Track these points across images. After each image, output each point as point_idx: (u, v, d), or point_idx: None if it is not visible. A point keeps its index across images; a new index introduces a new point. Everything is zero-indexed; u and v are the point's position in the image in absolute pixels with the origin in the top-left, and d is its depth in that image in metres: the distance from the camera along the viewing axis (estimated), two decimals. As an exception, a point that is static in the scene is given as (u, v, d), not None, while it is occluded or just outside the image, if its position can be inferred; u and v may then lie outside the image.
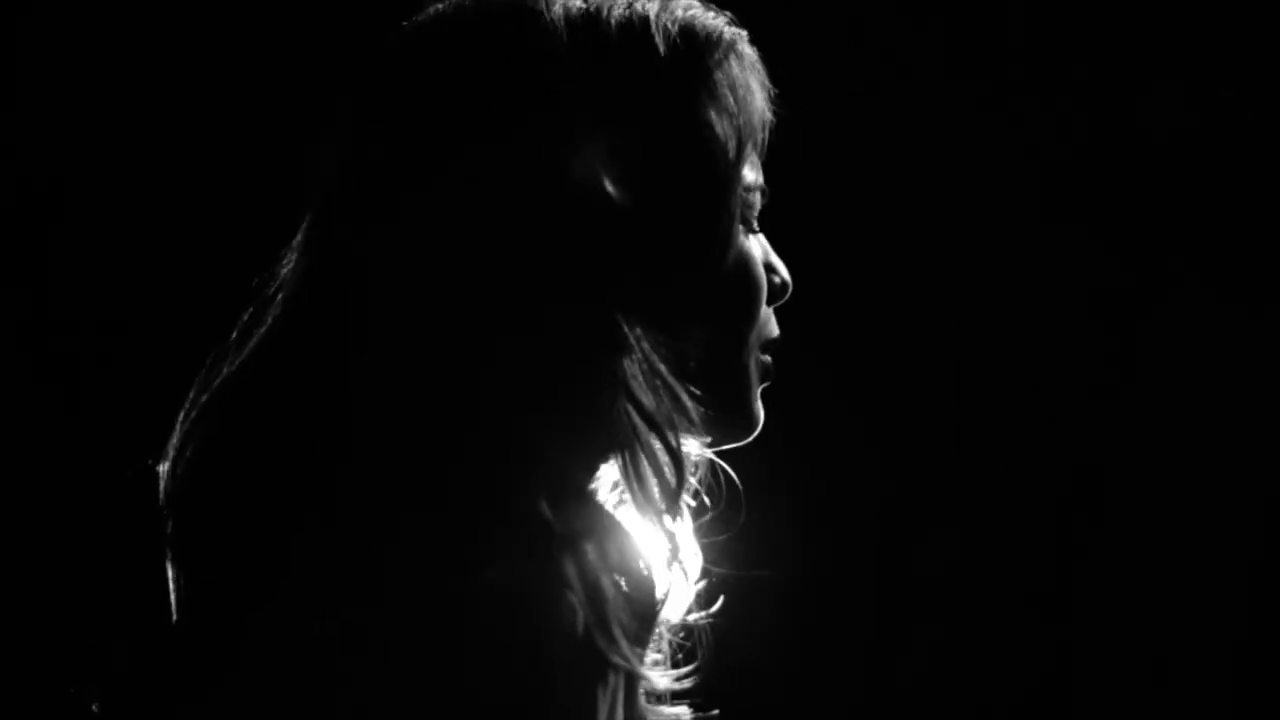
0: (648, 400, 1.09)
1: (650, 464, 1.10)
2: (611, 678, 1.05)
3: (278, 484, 1.08)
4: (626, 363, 1.08)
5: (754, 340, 1.19)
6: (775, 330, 1.21)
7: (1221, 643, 2.83)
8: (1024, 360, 2.69)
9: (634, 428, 1.09)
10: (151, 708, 1.10)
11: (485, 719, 1.01)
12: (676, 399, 1.10)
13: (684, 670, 1.25)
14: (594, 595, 1.05)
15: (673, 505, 1.12)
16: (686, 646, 1.29)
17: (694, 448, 1.21)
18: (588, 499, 1.13)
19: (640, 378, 1.09)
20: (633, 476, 1.10)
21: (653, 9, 1.13)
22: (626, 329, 1.08)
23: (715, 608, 1.31)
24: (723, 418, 1.16)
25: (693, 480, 1.21)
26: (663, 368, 1.10)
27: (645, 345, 1.09)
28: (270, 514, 1.08)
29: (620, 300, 1.09)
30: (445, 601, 1.02)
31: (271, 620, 1.05)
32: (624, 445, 1.10)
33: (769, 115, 1.18)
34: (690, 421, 1.12)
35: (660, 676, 1.18)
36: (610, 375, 1.08)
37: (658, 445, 1.10)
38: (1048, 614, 2.83)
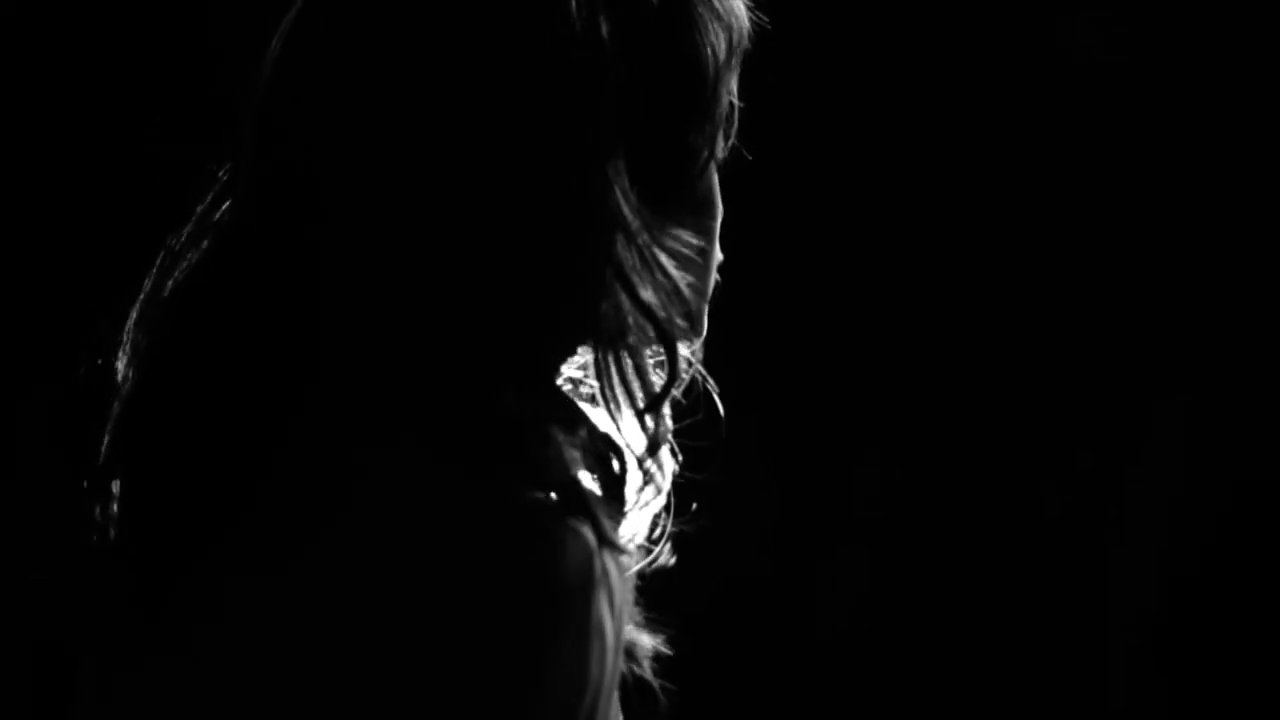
0: (646, 292, 1.01)
1: (635, 359, 1.02)
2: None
3: (245, 389, 1.00)
4: (624, 248, 1.00)
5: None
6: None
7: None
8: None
9: (625, 320, 1.01)
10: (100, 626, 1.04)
11: (479, 663, 0.93)
12: (676, 292, 1.02)
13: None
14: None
15: (658, 404, 1.04)
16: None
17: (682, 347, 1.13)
18: (554, 391, 1.05)
19: (639, 266, 1.01)
20: (614, 372, 1.02)
21: None
22: (628, 211, 0.99)
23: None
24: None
25: (685, 377, 1.14)
26: (663, 257, 1.01)
27: (645, 231, 1.01)
28: (235, 424, 1.00)
29: (620, 178, 0.99)
30: (432, 519, 0.95)
31: (235, 545, 0.98)
32: (611, 338, 1.01)
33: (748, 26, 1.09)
34: (686, 318, 1.04)
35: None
36: (606, 259, 1.00)
37: (650, 338, 1.02)
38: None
